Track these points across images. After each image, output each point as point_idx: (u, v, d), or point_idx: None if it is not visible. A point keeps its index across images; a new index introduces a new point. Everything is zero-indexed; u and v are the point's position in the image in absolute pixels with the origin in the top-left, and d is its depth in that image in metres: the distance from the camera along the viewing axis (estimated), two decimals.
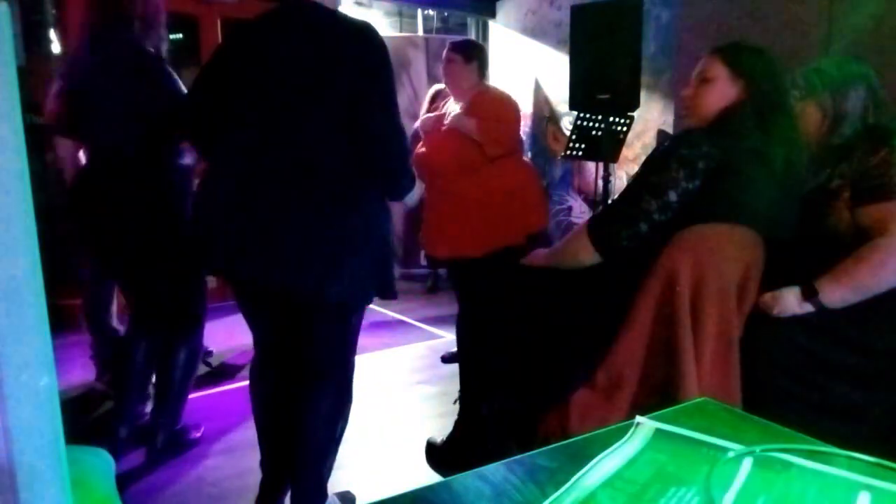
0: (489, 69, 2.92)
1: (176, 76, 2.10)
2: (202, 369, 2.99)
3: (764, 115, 1.50)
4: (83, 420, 2.48)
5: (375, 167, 1.59)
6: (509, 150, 2.76)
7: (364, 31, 1.54)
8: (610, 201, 3.22)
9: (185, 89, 2.07)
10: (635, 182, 1.55)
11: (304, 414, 1.68)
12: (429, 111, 3.07)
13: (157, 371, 2.20)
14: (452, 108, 2.92)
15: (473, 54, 2.82)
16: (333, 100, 1.51)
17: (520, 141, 2.95)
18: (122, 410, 2.22)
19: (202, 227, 1.61)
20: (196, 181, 2.09)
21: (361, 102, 1.51)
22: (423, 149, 2.84)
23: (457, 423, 1.93)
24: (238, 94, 1.57)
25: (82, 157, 2.42)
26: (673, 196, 1.46)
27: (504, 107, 2.80)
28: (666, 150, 1.54)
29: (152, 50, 2.11)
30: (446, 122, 2.76)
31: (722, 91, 1.54)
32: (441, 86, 3.16)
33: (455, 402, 1.97)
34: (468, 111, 2.76)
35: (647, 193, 1.48)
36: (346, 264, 1.54)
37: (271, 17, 1.59)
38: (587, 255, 1.55)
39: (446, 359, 3.18)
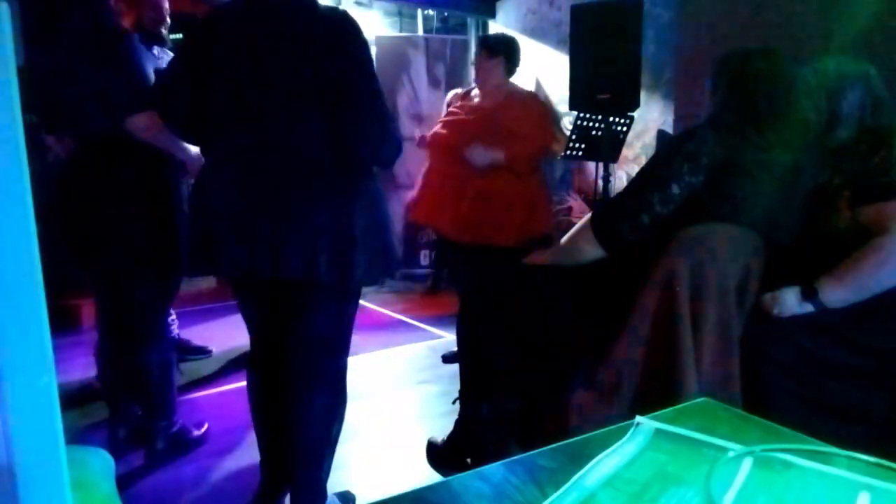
0: (518, 63, 2.89)
1: (141, 54, 1.92)
2: (201, 370, 3.00)
3: (760, 116, 1.50)
4: (83, 420, 2.48)
5: (358, 136, 1.55)
6: (538, 161, 2.82)
7: (336, 13, 1.55)
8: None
9: (148, 68, 1.93)
10: (639, 175, 1.56)
11: (298, 415, 1.68)
12: (448, 114, 3.09)
13: (133, 376, 2.12)
14: (478, 100, 2.94)
15: (499, 49, 2.81)
16: (315, 81, 1.50)
17: (550, 146, 2.93)
18: (114, 413, 2.21)
19: (201, 225, 1.61)
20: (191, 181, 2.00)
21: (340, 73, 1.49)
22: (443, 131, 2.92)
23: (457, 423, 1.93)
24: (218, 83, 1.54)
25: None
26: (675, 189, 1.47)
27: (535, 115, 2.81)
28: (672, 144, 1.55)
29: (125, 25, 1.96)
30: (471, 156, 2.76)
31: (711, 95, 1.61)
32: (455, 91, 3.19)
33: (454, 401, 1.97)
34: (497, 111, 2.79)
35: (650, 185, 1.49)
36: (340, 244, 1.53)
37: (241, 2, 1.57)
38: (590, 249, 1.56)
39: (447, 359, 3.18)
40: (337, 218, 1.53)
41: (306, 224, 1.51)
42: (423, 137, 3.13)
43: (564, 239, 1.69)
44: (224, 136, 1.58)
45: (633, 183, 1.56)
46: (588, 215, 1.62)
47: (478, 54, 2.86)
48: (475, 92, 3.00)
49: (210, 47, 1.55)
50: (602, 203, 3.43)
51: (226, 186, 1.56)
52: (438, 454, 2.02)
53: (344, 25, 1.52)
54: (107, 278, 2.08)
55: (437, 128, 2.99)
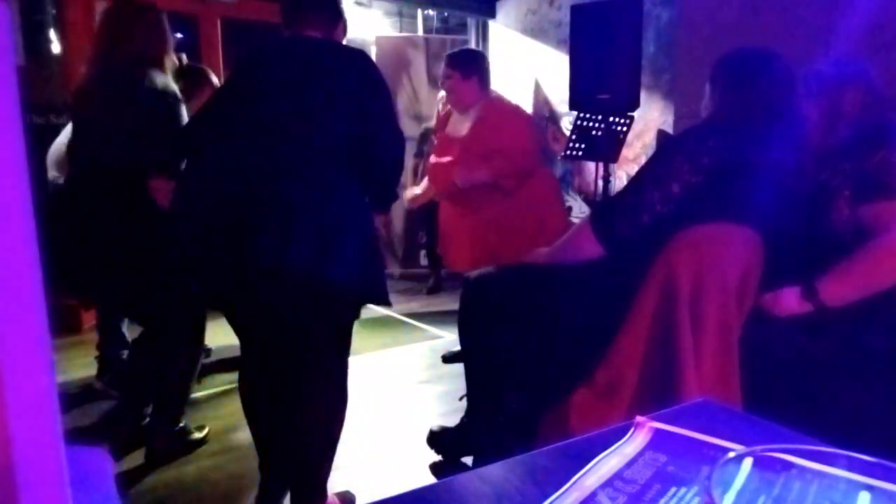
0: (490, 77, 2.86)
1: (184, 112, 2.05)
2: (201, 370, 2.99)
3: (759, 115, 1.50)
4: (83, 420, 2.48)
5: (372, 174, 1.68)
6: (528, 173, 2.73)
7: (360, 58, 1.67)
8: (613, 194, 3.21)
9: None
10: (640, 173, 1.56)
11: (300, 417, 1.68)
12: (440, 118, 3.06)
13: (157, 374, 2.18)
14: (456, 119, 2.89)
15: (472, 69, 2.74)
16: (335, 118, 1.59)
17: (536, 153, 2.87)
18: (127, 412, 2.22)
19: (193, 232, 1.62)
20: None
21: (366, 117, 1.62)
22: (438, 163, 2.84)
23: (463, 420, 1.94)
24: (238, 111, 1.63)
25: None
26: (676, 188, 1.47)
27: (513, 125, 2.74)
28: (672, 144, 1.55)
29: (161, 78, 2.05)
30: (457, 180, 2.73)
31: (709, 97, 1.61)
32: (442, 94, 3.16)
33: (461, 398, 1.97)
34: (474, 130, 2.73)
35: (651, 184, 1.49)
36: (347, 254, 1.55)
37: (276, 48, 1.71)
38: (590, 247, 1.55)
39: (447, 359, 3.17)
40: (323, 219, 1.55)
41: (289, 215, 1.53)
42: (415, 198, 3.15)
43: (564, 238, 1.69)
44: (227, 148, 1.61)
45: (634, 182, 1.56)
46: (588, 214, 1.62)
47: (447, 76, 2.74)
48: (454, 117, 2.91)
49: (238, 91, 1.69)
50: (602, 202, 3.43)
51: (218, 186, 1.58)
52: (439, 439, 2.03)
53: (364, 64, 1.66)
54: (128, 294, 2.13)
55: (430, 163, 2.93)
